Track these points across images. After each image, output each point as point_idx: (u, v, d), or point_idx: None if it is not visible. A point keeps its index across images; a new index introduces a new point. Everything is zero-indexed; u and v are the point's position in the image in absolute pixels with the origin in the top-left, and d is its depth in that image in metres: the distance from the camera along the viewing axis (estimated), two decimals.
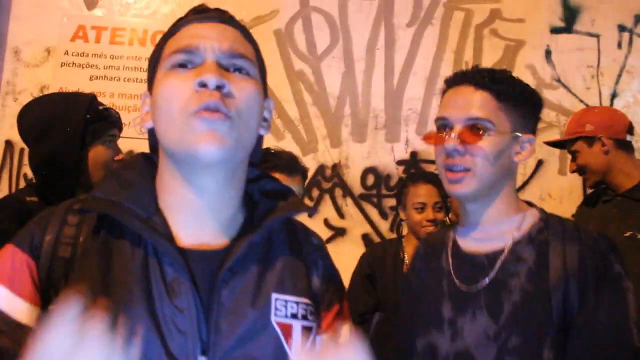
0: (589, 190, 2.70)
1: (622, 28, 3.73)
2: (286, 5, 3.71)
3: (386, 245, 2.74)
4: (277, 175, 2.39)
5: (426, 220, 2.52)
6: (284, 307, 0.96)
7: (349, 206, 3.54)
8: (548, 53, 3.71)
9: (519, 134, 1.33)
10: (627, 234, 2.17)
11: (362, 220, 3.53)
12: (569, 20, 3.74)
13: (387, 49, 3.69)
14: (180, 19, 1.00)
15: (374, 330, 2.48)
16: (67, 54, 3.68)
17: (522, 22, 3.72)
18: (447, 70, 3.65)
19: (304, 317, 0.98)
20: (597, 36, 3.73)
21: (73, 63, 3.67)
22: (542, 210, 1.41)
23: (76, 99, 1.92)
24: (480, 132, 1.29)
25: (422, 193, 2.55)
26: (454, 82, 1.37)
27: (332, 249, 3.29)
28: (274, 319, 0.94)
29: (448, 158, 1.31)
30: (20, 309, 0.88)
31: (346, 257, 2.62)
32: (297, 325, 0.96)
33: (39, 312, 0.89)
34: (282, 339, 0.93)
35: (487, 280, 1.31)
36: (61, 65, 3.66)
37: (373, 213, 3.53)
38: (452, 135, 1.29)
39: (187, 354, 0.87)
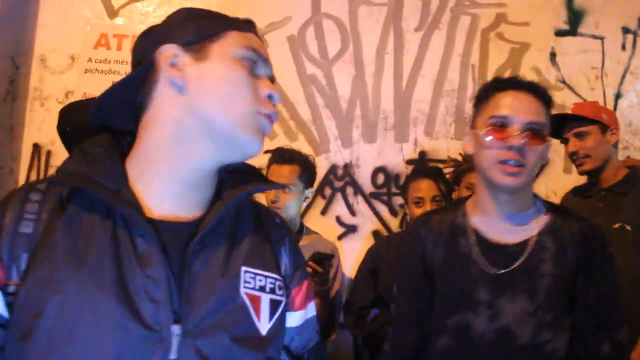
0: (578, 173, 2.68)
1: (626, 30, 3.81)
2: (298, 12, 3.82)
3: (391, 239, 2.80)
4: (274, 164, 2.52)
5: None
6: (252, 279, 0.98)
7: (360, 204, 3.64)
8: (553, 55, 3.80)
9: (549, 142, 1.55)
10: (616, 225, 2.27)
11: (373, 218, 3.62)
12: (574, 23, 3.83)
13: (396, 53, 3.79)
14: (245, 21, 1.04)
15: (369, 325, 2.55)
16: (91, 61, 3.82)
17: (527, 26, 3.81)
18: (454, 73, 3.76)
19: (272, 291, 1.01)
20: (601, 38, 3.80)
21: (96, 70, 3.82)
22: (544, 202, 1.64)
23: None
24: (542, 136, 1.49)
25: (420, 188, 2.59)
26: (507, 86, 1.54)
27: (345, 245, 3.47)
28: (242, 291, 0.96)
29: (508, 152, 1.47)
30: None
31: (358, 253, 2.75)
32: (265, 298, 0.99)
33: None
34: (251, 310, 0.96)
35: (519, 266, 1.52)
36: (85, 72, 3.81)
37: (383, 210, 3.63)
38: (516, 133, 1.46)
39: (160, 323, 0.88)
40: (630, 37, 3.80)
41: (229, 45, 0.97)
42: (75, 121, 2.07)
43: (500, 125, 1.48)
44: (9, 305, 0.87)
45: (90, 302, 0.86)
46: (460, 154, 3.41)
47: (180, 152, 0.96)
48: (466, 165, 3.24)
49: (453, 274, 1.60)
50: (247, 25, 1.03)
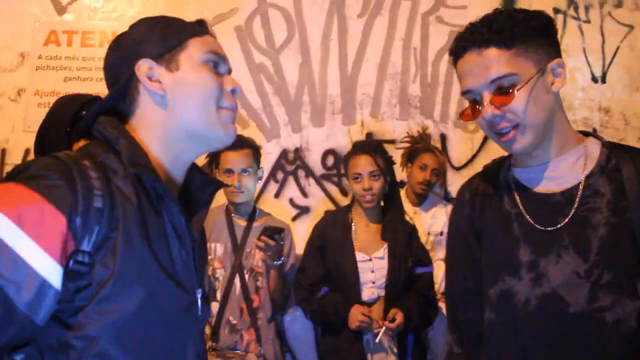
0: None
1: (556, 10, 4.01)
2: (245, 3, 3.91)
3: (336, 213, 2.84)
4: (228, 152, 2.63)
5: (362, 189, 2.59)
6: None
7: (311, 186, 3.76)
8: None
9: (545, 66, 1.27)
10: None
11: (324, 198, 3.75)
12: (508, 4, 3.99)
13: (340, 39, 3.91)
14: (199, 24, 1.17)
15: (317, 302, 2.60)
16: (41, 57, 3.85)
17: (464, 9, 3.97)
18: (396, 56, 3.91)
19: None
20: None
21: (47, 66, 3.84)
22: (601, 138, 1.37)
23: (71, 101, 2.12)
24: (510, 90, 1.24)
25: (358, 164, 2.62)
26: (458, 52, 1.33)
27: (299, 226, 3.61)
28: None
29: (493, 125, 1.27)
30: (46, 266, 0.88)
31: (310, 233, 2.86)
32: None
33: (62, 270, 0.90)
34: None
35: (567, 218, 1.27)
36: (36, 69, 3.83)
37: (334, 191, 3.76)
38: (485, 104, 1.25)
39: (193, 288, 1.09)
40: (560, 16, 4.01)
41: (194, 52, 1.10)
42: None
43: (472, 101, 1.32)
44: (69, 274, 0.92)
45: (155, 275, 1.00)
46: (408, 133, 3.59)
47: (167, 148, 1.12)
48: (421, 144, 3.40)
49: (496, 235, 1.38)
50: (203, 29, 1.16)
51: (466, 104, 1.37)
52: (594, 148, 1.33)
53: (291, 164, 3.78)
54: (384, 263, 2.60)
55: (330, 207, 3.71)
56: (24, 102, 3.79)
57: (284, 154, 3.79)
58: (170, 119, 1.10)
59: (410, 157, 3.36)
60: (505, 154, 1.46)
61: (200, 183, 1.22)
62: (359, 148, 2.69)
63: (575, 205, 1.28)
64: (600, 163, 1.30)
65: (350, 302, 2.53)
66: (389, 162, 2.68)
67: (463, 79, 1.31)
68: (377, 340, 2.48)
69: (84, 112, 2.02)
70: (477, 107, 1.29)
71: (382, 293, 2.58)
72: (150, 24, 1.14)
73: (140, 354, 0.97)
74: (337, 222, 2.73)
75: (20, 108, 3.79)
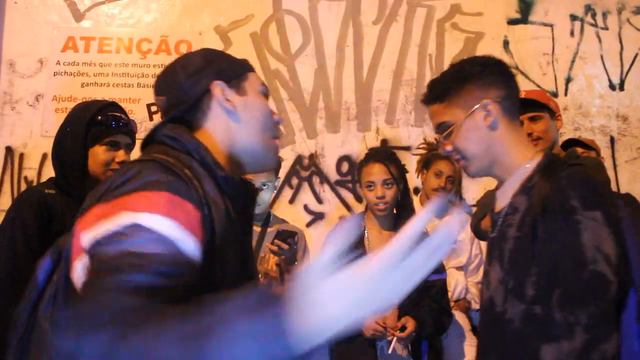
0: None
1: (573, 17, 4.00)
2: (260, 10, 3.94)
3: None
4: None
5: (376, 197, 2.58)
6: None
7: (326, 192, 3.77)
8: (506, 43, 3.97)
9: (474, 108, 1.46)
10: None
11: (339, 204, 3.75)
12: (524, 11, 4.01)
13: (355, 46, 3.93)
14: (248, 63, 1.34)
15: None
16: (59, 63, 3.90)
17: (480, 16, 3.98)
18: (412, 62, 3.91)
19: None
20: (551, 26, 3.99)
21: (65, 72, 3.89)
22: (549, 155, 1.50)
23: (88, 106, 2.12)
24: (447, 135, 1.50)
25: (371, 172, 2.60)
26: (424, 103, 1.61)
27: (313, 232, 3.61)
28: None
29: (454, 155, 1.53)
30: (198, 255, 0.97)
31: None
32: None
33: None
34: None
35: (497, 232, 1.50)
36: (54, 75, 3.89)
37: (348, 197, 3.77)
38: (440, 142, 1.56)
39: (254, 275, 1.29)
40: (578, 23, 3.99)
41: (254, 83, 1.29)
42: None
43: (436, 140, 1.65)
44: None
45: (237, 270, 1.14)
46: (424, 139, 3.57)
47: (229, 161, 1.25)
48: (437, 150, 3.38)
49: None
50: (251, 66, 1.34)
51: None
52: (529, 168, 1.49)
53: (306, 170, 3.79)
54: None
55: (345, 213, 3.71)
56: (41, 107, 3.84)
57: (298, 160, 3.81)
58: (239, 134, 1.25)
59: (425, 163, 3.35)
60: None
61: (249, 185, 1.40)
62: (372, 156, 2.67)
63: (500, 221, 1.50)
64: (523, 183, 1.46)
65: None
66: (402, 170, 2.67)
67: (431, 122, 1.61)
68: (389, 351, 2.47)
69: (99, 117, 2.05)
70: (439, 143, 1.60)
71: None
72: (214, 53, 1.32)
73: None
74: None
75: (38, 113, 3.83)
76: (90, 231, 0.93)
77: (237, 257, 1.16)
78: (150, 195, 0.96)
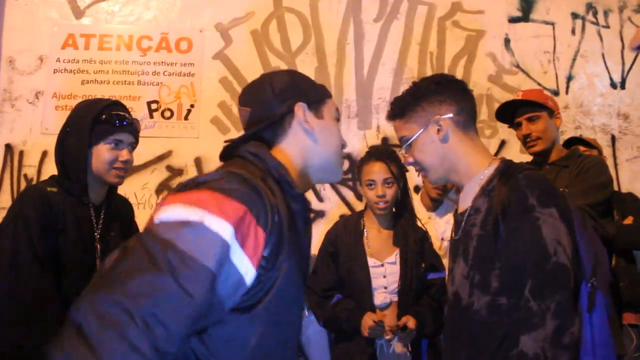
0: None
1: (575, 15, 4.00)
2: (261, 7, 3.93)
3: (348, 219, 2.82)
4: None
5: (376, 196, 2.59)
6: None
7: (326, 190, 3.76)
8: (507, 41, 3.97)
9: (428, 124, 1.64)
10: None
11: (340, 203, 3.75)
12: (526, 9, 4.00)
13: (356, 44, 3.92)
14: (327, 90, 1.49)
15: (330, 310, 2.59)
16: (59, 61, 3.88)
17: (481, 13, 3.98)
18: (413, 61, 3.90)
19: None
20: (552, 24, 3.99)
21: (65, 69, 3.88)
22: (505, 162, 1.64)
23: (92, 104, 2.13)
24: (407, 149, 1.70)
25: (372, 170, 2.62)
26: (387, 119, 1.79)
27: (314, 230, 3.56)
28: None
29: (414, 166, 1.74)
30: (246, 269, 1.11)
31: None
32: None
33: (255, 274, 1.13)
34: None
35: (461, 232, 1.65)
36: (54, 72, 3.87)
37: (349, 195, 3.76)
38: (404, 154, 1.73)
39: (306, 274, 1.40)
40: (579, 22, 3.99)
41: (331, 109, 1.44)
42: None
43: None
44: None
45: (297, 275, 1.26)
46: None
47: (302, 175, 1.40)
48: None
49: None
50: (329, 92, 1.49)
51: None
52: (487, 174, 1.63)
53: None
54: (396, 268, 2.59)
55: (345, 211, 3.71)
56: (41, 104, 3.83)
57: None
58: (315, 152, 1.39)
59: None
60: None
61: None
62: (372, 154, 2.68)
63: (464, 222, 1.63)
64: (483, 186, 1.61)
65: (362, 310, 2.52)
66: (403, 168, 2.67)
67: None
68: (390, 351, 2.47)
69: (103, 116, 2.05)
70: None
71: (395, 298, 2.57)
72: (301, 76, 1.46)
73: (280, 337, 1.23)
74: (349, 228, 2.73)
75: (38, 111, 3.82)
76: (161, 211, 1.08)
77: (299, 263, 1.28)
78: (226, 201, 1.09)
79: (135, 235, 1.07)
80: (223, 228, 1.05)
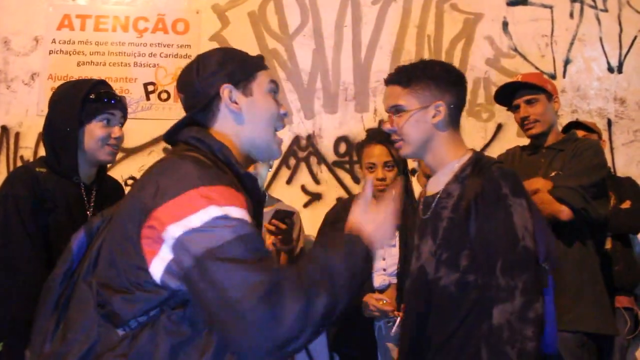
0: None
1: None
2: None
3: (347, 202, 2.81)
4: None
5: (376, 178, 2.58)
6: None
7: (323, 173, 3.76)
8: (505, 24, 3.96)
9: (428, 105, 1.73)
10: (552, 174, 2.50)
11: (336, 185, 3.75)
12: None
13: (354, 26, 3.91)
14: (261, 59, 1.49)
15: None
16: (55, 42, 3.86)
17: None
18: (410, 43, 3.89)
19: None
20: (551, 7, 3.98)
21: (60, 50, 3.86)
22: (476, 154, 1.82)
23: (80, 84, 2.15)
24: (397, 115, 1.75)
25: (373, 153, 2.61)
26: (385, 84, 1.83)
27: (310, 212, 3.61)
28: None
29: (393, 135, 1.79)
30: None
31: (323, 219, 2.86)
32: None
33: None
34: None
35: (430, 212, 1.78)
36: (49, 53, 3.85)
37: (346, 178, 3.76)
38: (386, 119, 1.81)
39: None
40: (577, 5, 3.98)
41: (262, 83, 1.42)
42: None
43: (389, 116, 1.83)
44: None
45: None
46: None
47: (238, 154, 1.39)
48: None
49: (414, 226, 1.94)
50: (263, 62, 1.48)
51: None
52: (461, 162, 1.77)
53: (303, 150, 3.78)
54: (395, 251, 2.60)
55: (342, 194, 3.72)
56: (37, 86, 3.81)
57: (296, 140, 3.80)
58: (243, 133, 1.40)
59: None
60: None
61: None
62: (373, 137, 2.67)
63: (434, 204, 1.76)
64: (457, 173, 1.75)
65: (363, 291, 2.53)
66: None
67: (384, 101, 1.84)
68: (392, 333, 2.49)
69: (92, 95, 2.07)
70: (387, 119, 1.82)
71: (394, 280, 2.58)
72: (228, 55, 1.44)
73: None
74: (349, 210, 2.71)
75: (33, 92, 3.81)
76: (179, 223, 1.11)
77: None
78: (221, 189, 1.16)
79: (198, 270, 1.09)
80: (239, 211, 1.15)
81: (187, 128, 1.39)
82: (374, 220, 1.33)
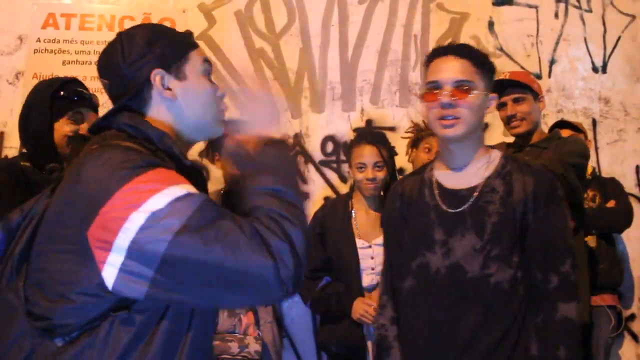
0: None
1: None
2: None
3: (336, 201, 2.86)
4: None
5: (366, 179, 2.62)
6: None
7: (310, 172, 3.76)
8: (491, 24, 3.97)
9: (488, 92, 1.74)
10: None
11: (324, 185, 3.76)
12: None
13: (341, 25, 3.91)
14: (190, 36, 1.37)
15: (319, 292, 2.63)
16: (39, 41, 3.83)
17: None
18: (397, 43, 3.90)
19: None
20: (536, 7, 4.00)
21: (45, 49, 3.82)
22: (503, 150, 1.85)
23: (51, 82, 2.19)
24: (467, 90, 1.68)
25: (363, 154, 2.63)
26: (438, 54, 1.76)
27: None
28: None
29: (442, 110, 1.69)
30: None
31: (310, 219, 2.86)
32: None
33: None
34: None
35: (468, 206, 1.73)
36: (34, 52, 3.82)
37: (333, 177, 3.77)
38: (445, 93, 1.69)
39: None
40: (562, 5, 4.01)
41: (195, 64, 1.31)
42: None
43: (434, 88, 1.72)
44: None
45: None
46: (412, 122, 3.58)
47: (178, 139, 1.30)
48: (426, 130, 3.42)
49: (417, 220, 1.83)
50: (193, 39, 1.36)
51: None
52: (495, 157, 1.78)
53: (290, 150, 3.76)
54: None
55: (330, 193, 3.72)
56: (22, 85, 3.77)
57: None
58: (179, 120, 1.29)
59: (414, 143, 3.36)
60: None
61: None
62: (364, 137, 2.70)
63: (476, 197, 1.72)
64: (498, 169, 1.75)
65: (352, 294, 2.54)
66: (392, 152, 2.71)
67: (435, 72, 1.74)
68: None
69: (62, 93, 2.10)
70: (437, 93, 1.71)
71: None
72: (154, 35, 1.30)
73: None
74: (338, 209, 2.75)
75: (18, 91, 3.77)
76: (138, 211, 1.02)
77: None
78: (156, 173, 1.09)
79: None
80: (181, 189, 1.08)
81: (119, 114, 1.25)
82: (251, 114, 1.29)
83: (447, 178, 1.81)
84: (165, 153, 1.20)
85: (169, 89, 1.27)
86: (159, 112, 1.28)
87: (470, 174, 1.77)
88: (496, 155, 1.79)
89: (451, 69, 1.71)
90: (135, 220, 1.01)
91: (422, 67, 3.74)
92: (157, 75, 1.25)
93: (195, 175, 1.25)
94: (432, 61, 1.78)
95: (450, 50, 1.75)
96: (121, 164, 1.08)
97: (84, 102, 2.16)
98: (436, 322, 1.73)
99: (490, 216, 1.70)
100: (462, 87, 1.68)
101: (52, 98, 2.11)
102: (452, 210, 1.75)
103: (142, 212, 1.02)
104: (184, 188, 1.07)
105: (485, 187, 1.73)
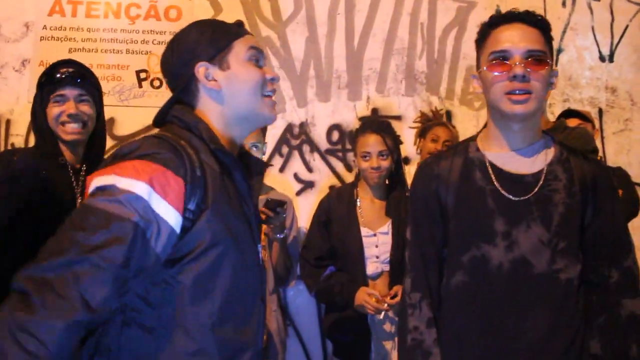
0: None
1: None
2: None
3: (341, 190, 2.86)
4: None
5: (371, 167, 2.62)
6: None
7: (316, 161, 3.76)
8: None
9: (551, 66, 1.58)
10: None
11: (329, 173, 3.75)
12: None
13: (347, 14, 3.89)
14: (239, 26, 1.44)
15: (323, 281, 2.64)
16: (46, 28, 3.82)
17: None
18: (403, 31, 3.88)
19: None
20: None
21: (52, 37, 3.82)
22: (551, 134, 1.70)
23: (48, 67, 2.19)
24: (541, 61, 1.51)
25: (368, 142, 2.63)
26: (504, 20, 1.59)
27: (303, 200, 3.62)
28: None
29: (512, 83, 1.51)
30: (172, 217, 1.17)
31: (315, 208, 2.87)
32: None
33: (182, 220, 1.20)
34: None
35: (535, 195, 1.57)
36: (40, 40, 3.81)
37: (339, 166, 3.77)
38: (517, 63, 1.50)
39: (256, 241, 1.39)
40: None
41: (240, 53, 1.37)
42: None
43: (502, 59, 1.53)
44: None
45: (237, 225, 1.30)
46: (421, 111, 3.59)
47: (227, 130, 1.39)
48: (434, 120, 3.43)
49: (469, 208, 1.62)
50: (242, 30, 1.43)
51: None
52: (549, 142, 1.65)
53: (296, 138, 3.78)
54: (388, 238, 2.63)
55: (335, 182, 3.72)
56: (28, 72, 3.78)
57: (289, 128, 3.79)
58: (227, 109, 1.37)
59: (422, 132, 3.37)
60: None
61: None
62: (369, 126, 2.70)
63: (541, 184, 1.57)
64: (557, 154, 1.61)
65: (356, 284, 2.55)
66: (397, 141, 2.71)
67: (503, 41, 1.54)
68: (380, 316, 2.51)
69: (44, 78, 2.16)
70: (507, 64, 1.52)
71: (386, 268, 2.61)
72: (199, 30, 1.39)
73: (227, 291, 1.26)
74: (343, 198, 2.76)
75: (24, 79, 3.77)
76: (91, 185, 1.19)
77: (235, 220, 1.30)
78: (139, 164, 1.17)
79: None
80: (136, 185, 1.14)
81: (172, 108, 1.39)
82: None
83: (505, 160, 1.62)
84: (200, 139, 1.30)
85: (214, 80, 1.36)
86: (206, 104, 1.38)
87: (531, 157, 1.60)
88: (549, 139, 1.66)
89: (524, 37, 1.52)
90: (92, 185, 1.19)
91: (428, 56, 3.81)
92: (200, 68, 1.35)
93: (227, 159, 1.33)
94: (494, 28, 1.59)
95: (518, 17, 1.57)
96: (133, 150, 1.21)
97: (65, 81, 2.12)
98: (497, 325, 1.55)
99: (557, 206, 1.55)
100: (538, 58, 1.51)
101: (40, 85, 2.14)
102: (517, 198, 1.57)
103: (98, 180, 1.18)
104: (142, 189, 1.14)
105: (549, 173, 1.58)
